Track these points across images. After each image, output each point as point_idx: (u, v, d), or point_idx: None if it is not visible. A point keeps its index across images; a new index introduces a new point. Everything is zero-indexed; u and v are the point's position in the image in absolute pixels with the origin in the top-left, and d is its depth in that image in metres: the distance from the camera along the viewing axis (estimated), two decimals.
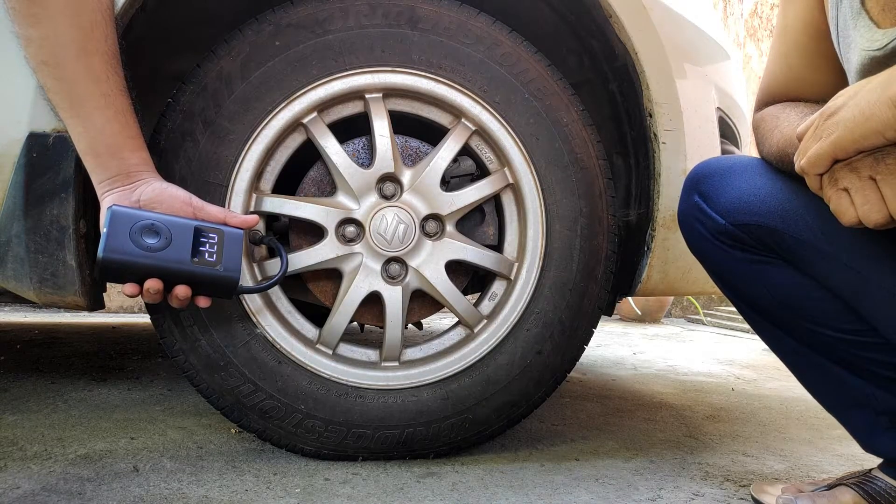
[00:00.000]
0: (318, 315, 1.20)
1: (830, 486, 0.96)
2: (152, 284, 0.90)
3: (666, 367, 2.43)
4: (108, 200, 0.91)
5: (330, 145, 1.10)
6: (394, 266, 1.12)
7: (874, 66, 0.78)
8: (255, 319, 1.07)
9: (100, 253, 0.87)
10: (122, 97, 0.91)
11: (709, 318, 4.40)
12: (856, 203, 0.71)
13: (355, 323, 1.21)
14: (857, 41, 0.81)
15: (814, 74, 0.96)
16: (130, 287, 0.90)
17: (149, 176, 0.94)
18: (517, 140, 1.13)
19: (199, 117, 1.05)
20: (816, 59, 0.95)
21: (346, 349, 1.15)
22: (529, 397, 1.17)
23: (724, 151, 1.34)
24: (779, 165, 0.90)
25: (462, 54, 1.11)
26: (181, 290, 0.92)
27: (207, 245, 0.93)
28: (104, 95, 0.88)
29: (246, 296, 1.06)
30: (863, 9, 0.80)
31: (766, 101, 1.01)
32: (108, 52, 0.89)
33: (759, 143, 0.96)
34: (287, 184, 1.16)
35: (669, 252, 1.23)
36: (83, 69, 0.86)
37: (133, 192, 0.92)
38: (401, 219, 1.10)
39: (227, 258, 0.94)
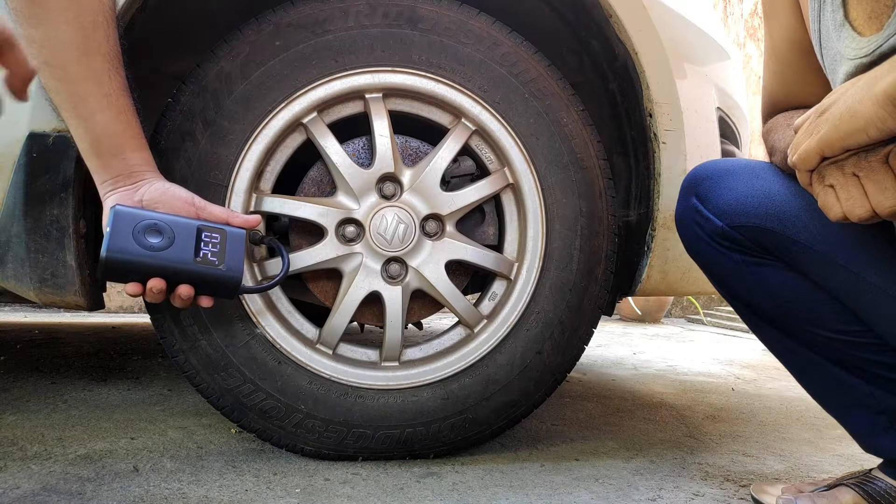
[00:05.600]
0: (318, 315, 1.20)
1: (830, 487, 0.96)
2: (155, 284, 0.90)
3: (666, 367, 2.43)
4: (110, 200, 0.91)
5: (330, 145, 1.10)
6: (394, 266, 1.12)
7: (863, 73, 0.79)
8: (255, 319, 1.07)
9: (103, 252, 0.87)
10: (123, 97, 0.91)
11: (709, 318, 4.40)
12: (840, 199, 0.74)
13: (355, 323, 1.21)
14: (843, 52, 0.82)
15: (811, 87, 0.97)
16: (133, 287, 0.90)
17: (151, 176, 0.94)
18: (517, 140, 1.14)
19: (199, 117, 1.05)
20: (809, 72, 0.96)
21: (346, 349, 1.15)
22: (529, 397, 1.17)
23: (724, 151, 1.34)
24: (789, 171, 0.90)
25: (462, 54, 1.11)
26: (184, 290, 0.92)
27: (210, 245, 0.93)
28: (106, 96, 0.88)
29: (246, 296, 1.06)
30: (846, 20, 0.81)
31: (772, 113, 1.02)
32: (109, 53, 0.89)
33: (771, 152, 0.96)
34: (287, 184, 1.16)
35: (669, 252, 1.23)
36: (85, 70, 0.87)
37: (136, 191, 0.92)
38: (401, 219, 1.10)
39: (230, 258, 0.94)
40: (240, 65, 1.05)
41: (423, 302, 1.19)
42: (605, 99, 1.33)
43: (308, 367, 1.09)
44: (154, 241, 0.89)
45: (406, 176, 1.12)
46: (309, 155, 1.13)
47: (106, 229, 0.88)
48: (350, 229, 1.11)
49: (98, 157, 0.91)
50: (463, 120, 1.13)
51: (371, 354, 1.15)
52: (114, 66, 0.89)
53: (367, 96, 1.10)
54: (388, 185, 1.11)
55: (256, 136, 1.06)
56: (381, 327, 1.14)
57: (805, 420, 1.64)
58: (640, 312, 4.23)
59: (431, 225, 1.13)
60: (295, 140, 1.11)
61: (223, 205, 1.05)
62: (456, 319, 1.19)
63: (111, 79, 0.89)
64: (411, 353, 1.16)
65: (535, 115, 1.14)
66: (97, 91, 0.88)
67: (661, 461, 1.22)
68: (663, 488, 1.07)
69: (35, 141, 0.95)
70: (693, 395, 1.89)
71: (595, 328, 1.20)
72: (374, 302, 1.13)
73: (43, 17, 0.84)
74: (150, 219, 0.90)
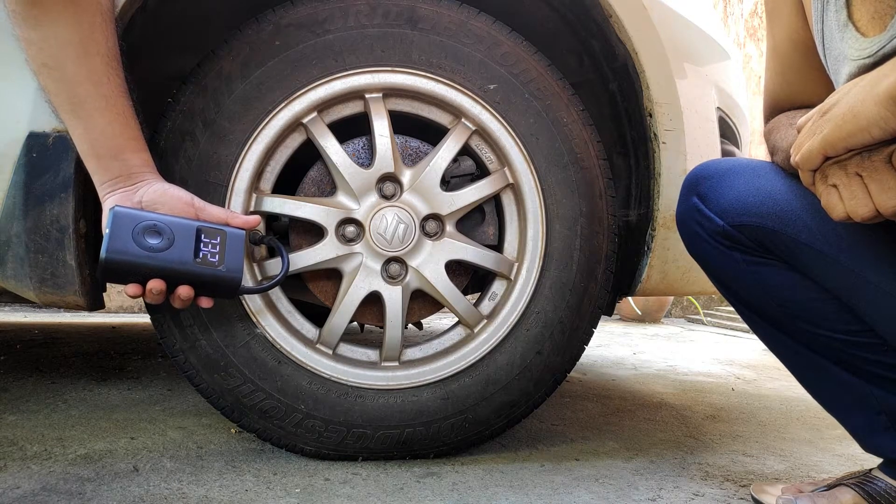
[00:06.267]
0: (318, 315, 1.20)
1: (830, 486, 0.96)
2: (155, 285, 0.90)
3: (666, 367, 2.43)
4: (110, 201, 0.91)
5: (330, 145, 1.10)
6: (394, 266, 1.12)
7: (866, 73, 0.79)
8: (255, 319, 1.07)
9: (102, 254, 0.87)
10: (122, 98, 0.91)
11: (709, 318, 4.40)
12: (843, 198, 0.74)
13: (355, 323, 1.21)
14: (846, 52, 0.82)
15: (812, 87, 0.97)
16: (133, 288, 0.90)
17: (150, 177, 0.94)
18: (517, 140, 1.13)
19: (199, 117, 1.05)
20: (811, 72, 0.96)
21: (346, 349, 1.15)
22: (529, 397, 1.17)
23: (724, 151, 1.34)
24: (791, 170, 0.90)
25: (462, 54, 1.11)
26: (183, 291, 0.92)
27: (209, 246, 0.93)
28: (105, 97, 0.88)
29: (246, 296, 1.06)
30: (849, 21, 0.82)
31: (773, 112, 1.02)
32: (108, 54, 0.89)
33: (773, 152, 0.96)
34: (287, 184, 1.16)
35: (669, 252, 1.23)
36: (84, 71, 0.86)
37: (135, 193, 0.92)
38: (401, 219, 1.10)
39: (230, 258, 0.94)
40: (240, 65, 1.05)
41: (423, 302, 1.19)
42: (605, 99, 1.33)
43: (308, 367, 1.09)
44: (153, 242, 0.89)
45: (406, 176, 1.12)
46: (309, 155, 1.13)
47: (105, 230, 0.88)
48: (350, 229, 1.11)
49: (97, 159, 0.91)
50: (463, 120, 1.13)
51: (371, 354, 1.15)
52: (112, 68, 0.89)
53: (367, 96, 1.10)
54: (388, 185, 1.11)
55: (256, 136, 1.06)
56: (381, 327, 1.14)
57: (805, 420, 1.64)
58: (640, 312, 4.23)
59: (431, 225, 1.13)
60: (295, 140, 1.11)
61: (223, 205, 1.05)
62: (456, 319, 1.19)
63: (110, 80, 0.89)
64: (411, 353, 1.16)
65: (535, 115, 1.14)
66: (96, 92, 0.88)
67: (661, 461, 1.22)
68: (663, 488, 1.07)
69: (35, 141, 0.95)
70: (693, 395, 1.89)
71: (595, 328, 1.20)
72: (374, 302, 1.13)
73: (41, 19, 0.83)
74: (149, 220, 0.90)
